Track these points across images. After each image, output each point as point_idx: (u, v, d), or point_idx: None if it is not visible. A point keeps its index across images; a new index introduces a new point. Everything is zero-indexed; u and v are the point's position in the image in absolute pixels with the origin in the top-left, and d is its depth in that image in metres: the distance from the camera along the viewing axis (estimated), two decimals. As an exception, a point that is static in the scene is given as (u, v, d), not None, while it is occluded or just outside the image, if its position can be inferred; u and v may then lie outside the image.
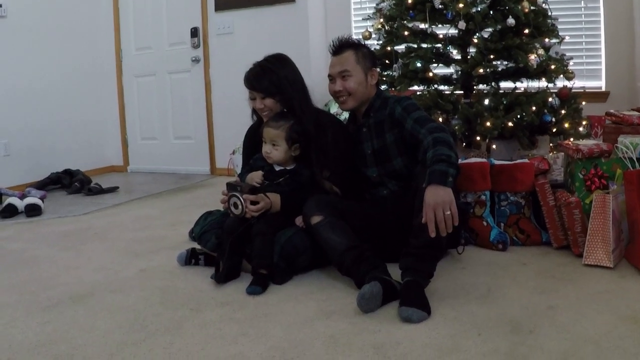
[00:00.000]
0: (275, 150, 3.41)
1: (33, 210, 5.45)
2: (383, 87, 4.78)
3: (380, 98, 3.59)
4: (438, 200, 2.71)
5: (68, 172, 6.98)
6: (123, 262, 3.74)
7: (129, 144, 8.19)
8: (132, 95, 8.03)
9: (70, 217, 5.25)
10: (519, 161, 3.87)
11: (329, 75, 3.58)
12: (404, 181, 3.45)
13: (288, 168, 3.47)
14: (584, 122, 4.74)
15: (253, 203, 3.24)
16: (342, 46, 3.57)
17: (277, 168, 3.46)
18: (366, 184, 3.65)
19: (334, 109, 5.73)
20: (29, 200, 5.55)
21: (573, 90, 4.88)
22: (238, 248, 3.27)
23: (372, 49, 4.68)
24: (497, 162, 3.87)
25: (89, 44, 7.77)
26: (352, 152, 3.62)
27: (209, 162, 7.66)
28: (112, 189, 6.56)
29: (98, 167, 7.98)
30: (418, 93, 4.71)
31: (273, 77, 3.47)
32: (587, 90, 5.40)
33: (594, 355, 2.28)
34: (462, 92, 4.77)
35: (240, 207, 3.23)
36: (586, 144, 3.75)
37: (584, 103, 4.93)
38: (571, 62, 4.97)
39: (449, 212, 2.72)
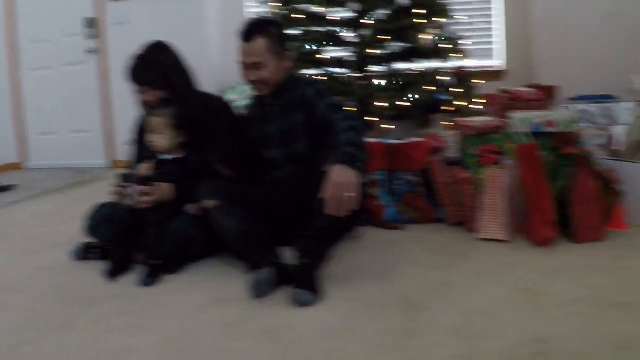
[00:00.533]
0: (160, 138, 3.33)
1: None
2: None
3: (291, 79, 3.47)
4: (343, 181, 2.67)
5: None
6: (18, 260, 3.61)
7: (27, 140, 7.95)
8: (28, 89, 7.81)
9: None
10: (412, 140, 3.88)
11: (242, 63, 3.39)
12: (305, 165, 3.38)
13: (177, 157, 3.39)
14: (479, 100, 4.79)
15: (145, 194, 3.17)
16: (251, 32, 3.32)
17: (166, 157, 3.39)
18: (266, 167, 3.55)
19: (234, 96, 5.69)
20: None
21: (471, 70, 4.93)
22: (130, 240, 3.21)
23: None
24: (391, 142, 3.88)
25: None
26: (250, 135, 3.54)
27: (109, 155, 7.52)
28: (9, 187, 6.36)
29: (-5, 165, 7.75)
30: (312, 77, 4.67)
31: (158, 68, 3.42)
32: (484, 70, 5.47)
33: (487, 326, 2.31)
34: (357, 74, 4.76)
35: (132, 197, 3.15)
36: (479, 120, 3.79)
37: (482, 82, 4.98)
38: (468, 42, 5.01)
39: (352, 195, 2.68)
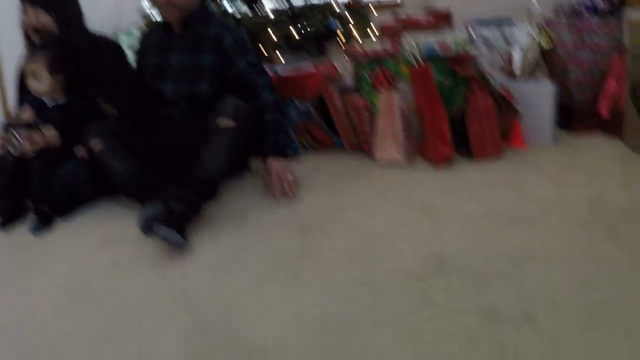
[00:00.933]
0: (38, 83, 3.18)
1: None
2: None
3: (203, 11, 3.25)
4: (283, 171, 3.00)
5: None
6: None
7: None
8: None
9: None
10: (306, 69, 3.80)
11: None
12: (199, 107, 3.21)
13: (60, 102, 3.24)
14: (373, 30, 4.75)
15: (28, 141, 3.01)
16: None
17: (50, 103, 3.23)
18: (156, 101, 3.34)
19: (127, 39, 5.52)
20: None
21: (361, 2, 4.88)
22: (19, 189, 3.06)
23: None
24: (284, 72, 3.78)
25: None
26: (147, 62, 3.35)
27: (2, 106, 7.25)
28: None
29: None
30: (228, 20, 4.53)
31: None
32: (382, 3, 5.42)
33: (384, 247, 2.29)
34: (247, 8, 4.64)
35: (17, 145, 2.99)
36: (373, 47, 3.73)
37: (374, 13, 4.94)
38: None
39: (293, 178, 3.01)
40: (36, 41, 3.27)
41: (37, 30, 3.26)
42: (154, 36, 3.39)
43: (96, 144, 2.96)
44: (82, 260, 2.49)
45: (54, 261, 2.51)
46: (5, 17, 3.59)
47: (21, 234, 2.88)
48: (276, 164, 3.01)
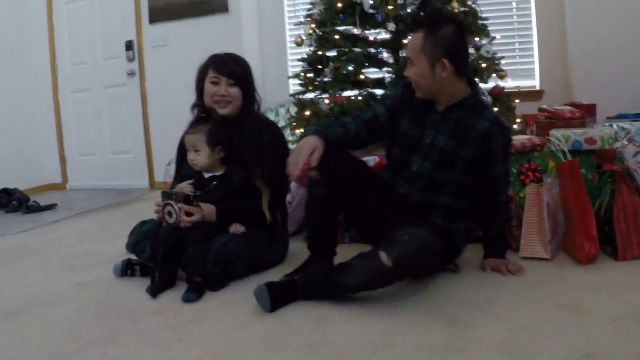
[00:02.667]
0: (198, 156, 3.38)
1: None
2: (315, 92, 4.81)
3: (476, 100, 3.16)
4: (498, 264, 3.23)
5: (5, 191, 6.82)
6: (59, 276, 3.66)
7: (67, 160, 8.03)
8: (68, 111, 7.89)
9: (8, 235, 5.12)
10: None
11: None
12: (434, 194, 3.16)
13: (217, 174, 3.43)
14: (517, 120, 4.80)
15: (187, 214, 3.19)
16: (414, 25, 3.20)
17: (206, 175, 3.42)
18: (395, 172, 3.30)
19: (273, 117, 5.75)
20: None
21: (507, 90, 4.93)
22: (172, 257, 3.22)
23: (304, 54, 4.69)
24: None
25: (22, 61, 7.62)
26: (393, 126, 3.28)
27: (148, 176, 7.58)
28: (51, 206, 6.44)
29: (36, 185, 7.79)
30: (352, 97, 4.68)
31: (244, 66, 3.52)
32: (521, 90, 5.47)
33: (532, 343, 2.30)
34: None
35: (174, 216, 3.17)
36: (519, 138, 3.79)
37: (517, 101, 4.99)
38: (504, 62, 5.01)
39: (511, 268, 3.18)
40: (219, 109, 3.46)
41: (224, 98, 3.44)
42: (409, 102, 3.22)
43: (314, 172, 3.03)
44: (232, 331, 2.61)
45: (203, 330, 2.65)
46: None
47: (172, 300, 3.05)
48: (493, 261, 3.26)
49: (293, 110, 5.43)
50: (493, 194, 3.21)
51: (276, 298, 2.80)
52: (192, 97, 3.62)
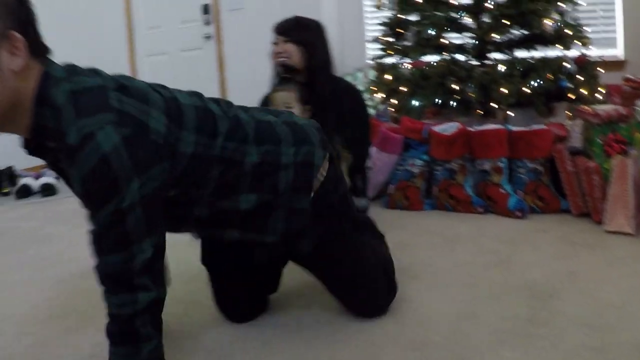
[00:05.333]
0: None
1: (48, 190, 5.46)
2: (396, 57, 4.76)
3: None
4: None
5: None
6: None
7: (142, 124, 8.10)
8: (144, 75, 7.94)
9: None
10: (536, 127, 3.81)
11: None
12: None
13: None
14: (601, 89, 4.67)
15: None
16: None
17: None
18: None
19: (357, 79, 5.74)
20: (43, 180, 5.56)
21: (592, 58, 4.80)
22: None
23: (383, 18, 4.65)
24: (514, 129, 3.82)
25: (98, 25, 7.65)
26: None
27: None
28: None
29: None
30: (433, 63, 4.62)
31: (304, 28, 3.53)
32: (604, 59, 5.32)
33: (618, 319, 2.25)
34: (476, 60, 4.68)
35: None
36: (604, 109, 3.69)
37: (601, 70, 4.86)
38: (587, 29, 4.87)
39: None
40: (281, 73, 3.46)
41: (283, 62, 3.47)
42: None
43: None
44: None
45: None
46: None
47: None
48: None
49: (371, 74, 5.39)
50: None
51: None
52: (268, 61, 3.63)
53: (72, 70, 1.83)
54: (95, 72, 1.89)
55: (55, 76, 1.76)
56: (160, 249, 1.84)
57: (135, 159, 1.70)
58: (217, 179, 1.96)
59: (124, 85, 1.83)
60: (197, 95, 2.11)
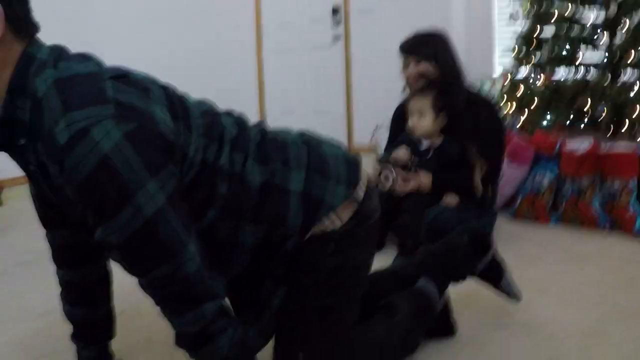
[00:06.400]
0: (422, 120, 3.36)
1: None
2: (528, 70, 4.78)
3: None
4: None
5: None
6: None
7: (268, 119, 8.24)
8: (270, 72, 8.10)
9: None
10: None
11: None
12: None
13: (435, 143, 3.42)
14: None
15: (404, 180, 3.27)
16: None
17: (423, 147, 3.42)
18: None
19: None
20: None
21: None
22: (385, 222, 3.12)
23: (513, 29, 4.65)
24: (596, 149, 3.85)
25: (228, 20, 7.83)
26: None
27: (347, 138, 7.67)
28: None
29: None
30: (562, 79, 4.61)
31: (431, 44, 3.52)
32: None
33: None
34: (609, 78, 4.65)
35: (391, 180, 3.23)
36: None
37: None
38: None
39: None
40: (418, 87, 3.49)
41: (416, 77, 3.50)
42: None
43: None
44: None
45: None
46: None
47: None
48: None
49: (499, 84, 5.41)
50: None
51: None
52: (396, 65, 3.67)
53: (58, 53, 1.54)
54: (85, 57, 1.56)
55: (38, 59, 1.49)
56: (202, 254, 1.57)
57: (144, 158, 1.41)
58: (223, 197, 1.63)
59: (122, 74, 1.52)
60: (208, 102, 1.80)
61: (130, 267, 1.53)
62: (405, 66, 3.57)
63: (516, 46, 4.96)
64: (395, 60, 3.68)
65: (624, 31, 4.49)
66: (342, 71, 7.52)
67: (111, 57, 2.01)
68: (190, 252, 1.50)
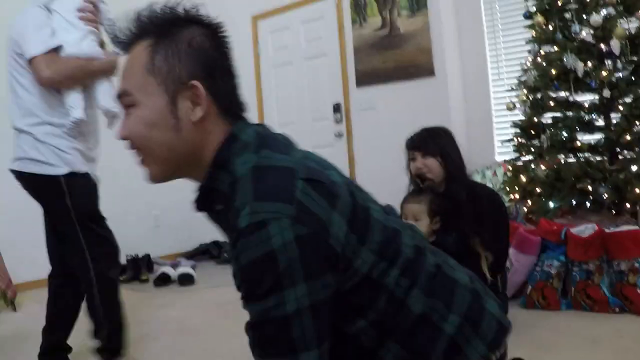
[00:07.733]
0: (417, 224, 3.35)
1: (186, 280, 5.71)
2: (529, 157, 4.85)
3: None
4: None
5: (216, 244, 7.21)
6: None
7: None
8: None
9: (223, 287, 5.38)
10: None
11: None
12: None
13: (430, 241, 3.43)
14: None
15: None
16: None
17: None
18: None
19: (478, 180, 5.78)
20: (181, 269, 5.82)
21: None
22: None
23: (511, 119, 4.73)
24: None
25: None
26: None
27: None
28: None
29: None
30: (566, 163, 4.68)
31: (436, 139, 3.60)
32: None
33: None
34: (608, 160, 4.70)
35: None
36: None
37: None
38: None
39: None
40: (421, 185, 3.56)
41: (425, 177, 3.56)
42: None
43: None
44: None
45: None
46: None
47: None
48: None
49: (500, 172, 5.48)
50: None
51: None
52: (399, 160, 3.76)
53: (263, 139, 1.64)
54: (287, 147, 1.67)
55: (242, 141, 1.61)
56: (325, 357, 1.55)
57: (305, 262, 1.46)
58: (379, 312, 1.62)
59: (316, 179, 1.55)
60: (392, 213, 1.84)
61: (253, 347, 1.58)
62: (411, 161, 3.64)
63: (515, 136, 5.05)
64: (397, 154, 3.76)
65: (618, 113, 4.58)
66: (345, 167, 7.55)
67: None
68: (312, 357, 1.50)
